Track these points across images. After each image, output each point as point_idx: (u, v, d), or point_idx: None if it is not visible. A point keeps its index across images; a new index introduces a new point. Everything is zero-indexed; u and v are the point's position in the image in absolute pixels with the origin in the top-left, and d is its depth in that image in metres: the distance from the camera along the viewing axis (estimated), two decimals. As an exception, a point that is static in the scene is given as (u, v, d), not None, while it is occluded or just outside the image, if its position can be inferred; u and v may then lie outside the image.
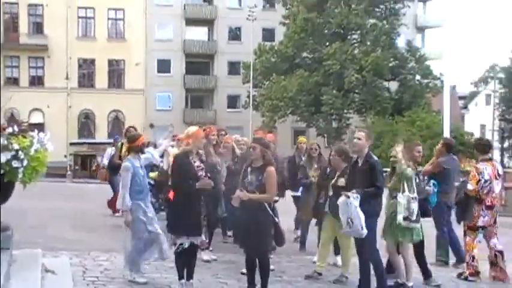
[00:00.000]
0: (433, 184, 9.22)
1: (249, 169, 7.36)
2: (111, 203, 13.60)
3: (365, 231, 7.47)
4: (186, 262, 7.46)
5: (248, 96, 52.50)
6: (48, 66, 52.38)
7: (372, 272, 7.88)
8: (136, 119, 45.60)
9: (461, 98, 75.19)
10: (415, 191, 8.25)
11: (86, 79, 54.30)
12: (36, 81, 52.74)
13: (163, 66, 55.48)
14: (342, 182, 8.22)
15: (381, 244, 8.28)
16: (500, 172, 9.42)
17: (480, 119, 69.44)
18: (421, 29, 61.50)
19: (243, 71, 53.52)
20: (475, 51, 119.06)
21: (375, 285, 7.84)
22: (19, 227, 7.96)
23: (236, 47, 56.28)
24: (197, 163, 7.46)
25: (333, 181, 8.34)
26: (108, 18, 54.34)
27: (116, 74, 54.76)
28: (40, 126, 39.25)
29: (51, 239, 10.66)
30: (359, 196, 7.44)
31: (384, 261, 8.36)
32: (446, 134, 20.24)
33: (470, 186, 9.00)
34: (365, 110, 50.08)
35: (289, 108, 49.19)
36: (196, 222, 7.34)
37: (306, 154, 11.10)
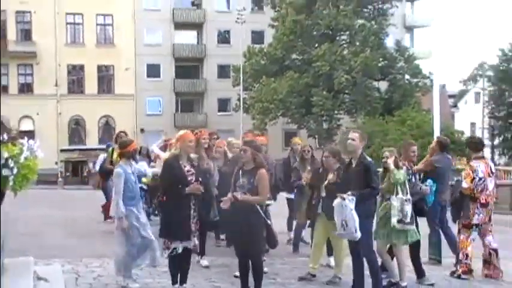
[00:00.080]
0: (430, 183, 9.23)
1: (240, 172, 7.38)
2: (105, 209, 13.54)
3: (359, 234, 7.48)
4: (179, 267, 7.45)
5: (238, 99, 52.48)
6: (37, 73, 52.24)
7: (367, 272, 7.90)
8: (126, 124, 45.55)
9: (450, 96, 75.43)
10: (408, 192, 8.28)
11: (76, 85, 54.16)
12: (26, 89, 52.61)
13: (153, 70, 55.42)
14: (332, 178, 8.18)
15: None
16: (493, 170, 9.47)
17: (470, 117, 69.68)
18: (409, 29, 61.73)
19: (232, 74, 53.51)
20: (463, 49, 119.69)
21: (369, 286, 7.85)
22: (10, 235, 7.91)
23: (225, 50, 56.30)
24: (187, 167, 7.42)
25: (326, 182, 8.34)
26: (97, 24, 54.28)
27: (106, 79, 54.67)
28: (30, 134, 39.17)
29: (43, 246, 10.61)
30: (354, 198, 7.45)
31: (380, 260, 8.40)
32: (437, 132, 20.28)
33: (465, 185, 9.02)
34: (355, 111, 50.16)
35: (280, 110, 49.19)
36: (185, 227, 7.28)
37: (298, 156, 11.07)
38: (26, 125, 49.31)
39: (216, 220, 9.89)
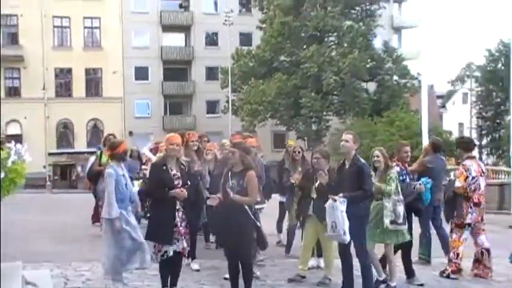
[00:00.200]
0: (425, 181, 9.24)
1: (229, 174, 7.39)
2: (94, 212, 13.46)
3: (347, 237, 7.50)
4: (170, 270, 7.42)
5: (227, 101, 52.47)
6: (25, 77, 51.97)
7: (356, 273, 7.90)
8: (115, 127, 45.38)
9: (439, 97, 75.70)
10: (400, 193, 8.31)
11: (63, 89, 53.96)
12: (13, 93, 52.31)
13: (141, 73, 55.30)
14: (324, 179, 8.16)
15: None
16: (484, 170, 9.51)
17: (458, 118, 69.98)
18: (397, 30, 61.93)
19: (221, 76, 53.49)
20: (451, 50, 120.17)
21: (359, 286, 7.85)
22: (-2, 240, 7.86)
23: (213, 52, 56.27)
24: (174, 171, 7.39)
25: (317, 184, 8.33)
26: (84, 27, 54.11)
27: (94, 82, 54.50)
28: (18, 138, 38.95)
29: (31, 250, 10.54)
30: (346, 200, 7.46)
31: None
32: (425, 133, 20.39)
33: (458, 184, 9.03)
34: (344, 112, 50.25)
35: (269, 112, 49.22)
36: (168, 230, 7.24)
37: (289, 157, 11.01)
38: (14, 129, 49.02)
39: (205, 222, 9.88)
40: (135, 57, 54.14)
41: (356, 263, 7.95)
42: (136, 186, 10.56)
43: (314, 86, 48.34)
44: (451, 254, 9.28)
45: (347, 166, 7.84)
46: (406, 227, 8.36)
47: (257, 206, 8.27)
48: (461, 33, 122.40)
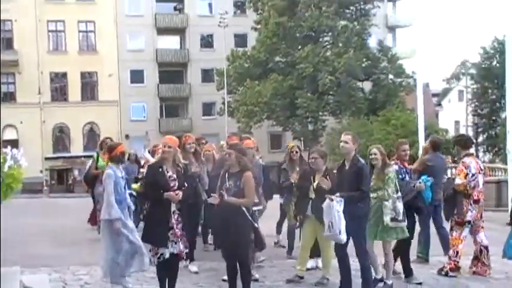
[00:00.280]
0: (425, 179, 9.24)
1: (226, 175, 7.41)
2: (92, 216, 13.43)
3: (343, 237, 7.51)
4: (167, 272, 7.42)
5: (223, 103, 52.47)
6: (20, 82, 51.85)
7: (356, 273, 7.91)
8: (111, 130, 45.37)
9: (434, 95, 75.83)
10: (399, 190, 8.33)
11: (59, 93, 53.86)
12: (8, 97, 52.16)
13: (137, 76, 55.22)
14: (326, 184, 8.15)
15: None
16: (482, 167, 9.52)
17: (454, 116, 70.06)
18: (392, 29, 61.99)
19: (216, 77, 53.48)
20: (446, 48, 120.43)
21: (357, 286, 7.86)
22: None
23: (209, 54, 56.25)
24: (170, 173, 7.39)
25: (315, 183, 8.34)
26: (79, 31, 54.01)
27: (89, 86, 54.42)
28: (14, 143, 38.91)
29: (29, 255, 10.52)
30: (343, 200, 7.47)
31: (381, 260, 8.46)
32: (421, 131, 20.36)
33: (458, 181, 9.01)
34: (340, 112, 50.28)
35: (265, 113, 49.24)
36: (161, 233, 7.24)
37: (287, 157, 10.97)
38: (10, 134, 48.92)
39: (203, 224, 9.88)
40: (131, 60, 54.06)
41: (354, 262, 7.96)
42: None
43: (310, 86, 48.38)
44: (451, 252, 9.27)
45: (347, 167, 7.86)
46: (406, 223, 8.39)
47: (254, 208, 8.27)
48: (455, 31, 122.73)
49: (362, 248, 7.81)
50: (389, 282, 8.37)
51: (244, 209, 7.25)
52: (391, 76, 51.99)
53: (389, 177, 8.23)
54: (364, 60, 50.14)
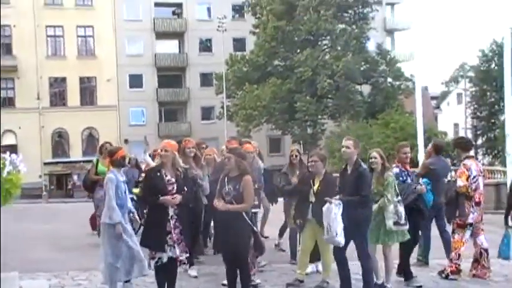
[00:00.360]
0: (425, 182, 9.24)
1: (226, 179, 7.41)
2: (92, 220, 13.42)
3: (340, 239, 7.51)
4: (166, 277, 7.41)
5: (222, 107, 52.49)
6: (19, 87, 51.86)
7: (356, 276, 7.90)
8: (110, 135, 45.23)
9: (433, 98, 75.75)
10: (399, 194, 8.33)
11: (58, 98, 53.85)
12: (7, 103, 52.14)
13: (135, 81, 55.25)
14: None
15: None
16: (481, 169, 9.53)
17: (453, 118, 70.06)
18: (390, 32, 62.06)
19: (215, 82, 53.52)
20: (444, 51, 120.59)
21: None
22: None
23: (207, 58, 56.30)
24: (168, 177, 7.38)
25: (315, 187, 8.33)
26: (78, 36, 54.03)
27: (88, 91, 54.42)
28: (13, 148, 38.87)
29: (29, 260, 10.51)
30: (341, 204, 7.47)
31: (382, 264, 8.47)
32: (420, 134, 20.37)
33: (460, 183, 8.99)
34: (339, 115, 50.32)
35: (264, 117, 49.24)
36: (160, 237, 7.24)
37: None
38: (8, 139, 48.88)
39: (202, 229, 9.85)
40: (129, 65, 54.09)
41: (355, 266, 7.96)
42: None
43: (308, 89, 48.40)
44: (453, 254, 9.24)
45: (349, 171, 7.88)
46: (407, 227, 8.40)
47: (253, 210, 8.26)
48: (454, 34, 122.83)
49: (364, 251, 7.82)
50: (389, 286, 8.37)
51: (243, 213, 7.25)
52: (389, 79, 52.04)
53: (388, 183, 8.24)
54: (363, 63, 50.19)
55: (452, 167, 19.38)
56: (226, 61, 51.47)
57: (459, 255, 9.19)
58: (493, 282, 9.22)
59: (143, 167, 12.18)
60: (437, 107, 77.80)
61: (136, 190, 11.07)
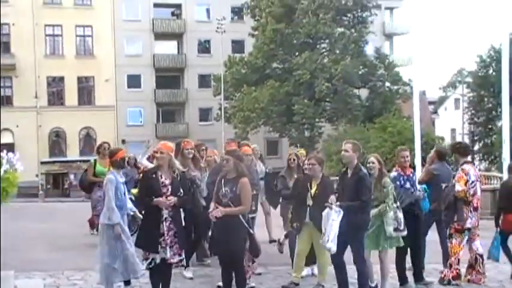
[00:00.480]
0: (423, 189, 9.25)
1: (223, 181, 7.41)
2: (90, 222, 13.39)
3: (331, 246, 7.51)
4: (160, 278, 7.40)
5: (220, 109, 52.48)
6: (17, 86, 51.79)
7: (352, 280, 7.91)
8: (107, 135, 45.11)
9: (431, 103, 75.83)
10: (397, 199, 8.34)
11: (56, 97, 53.80)
12: (5, 101, 52.02)
13: (134, 81, 55.20)
14: (332, 199, 8.08)
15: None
16: (478, 175, 9.54)
17: (450, 123, 70.10)
18: (389, 36, 62.10)
19: (213, 83, 53.54)
20: (442, 56, 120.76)
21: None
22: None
23: (206, 59, 56.28)
24: (163, 179, 7.35)
25: (312, 190, 8.33)
26: (76, 35, 53.98)
27: (86, 90, 54.38)
28: (10, 146, 38.77)
29: (24, 259, 10.48)
30: (341, 211, 7.47)
31: (377, 268, 8.47)
32: (417, 139, 20.39)
33: (459, 187, 8.97)
34: (336, 118, 50.35)
35: (261, 119, 49.27)
36: (153, 238, 7.24)
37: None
38: (6, 138, 48.71)
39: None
40: (128, 65, 54.05)
41: (349, 270, 7.96)
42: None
43: (306, 92, 48.45)
44: (452, 260, 9.19)
45: (349, 175, 7.87)
46: (406, 232, 8.42)
47: (250, 216, 8.25)
48: (452, 39, 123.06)
49: (360, 256, 7.82)
50: (383, 289, 8.39)
51: (240, 215, 7.25)
52: (387, 83, 52.12)
53: (387, 190, 8.23)
54: (361, 67, 50.24)
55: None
56: (225, 63, 51.50)
57: (458, 260, 9.17)
58: (488, 288, 9.23)
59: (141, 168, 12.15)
60: (435, 112, 77.89)
61: (134, 190, 11.05)
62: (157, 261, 7.25)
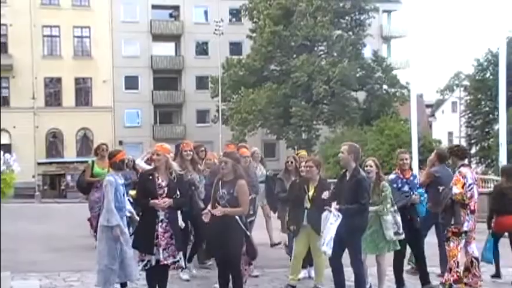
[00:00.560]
0: (420, 193, 9.24)
1: (220, 183, 7.40)
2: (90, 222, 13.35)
3: (326, 249, 7.51)
4: (156, 279, 7.40)
5: (217, 111, 52.45)
6: (14, 86, 51.66)
7: (349, 283, 7.91)
8: (105, 136, 45.11)
9: (428, 106, 75.89)
10: (394, 203, 8.34)
11: (53, 98, 53.69)
12: (2, 102, 51.84)
13: (131, 82, 55.13)
14: (325, 195, 8.13)
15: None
16: (476, 178, 9.53)
17: (447, 127, 70.19)
18: (386, 39, 62.10)
19: (211, 85, 53.51)
20: (440, 59, 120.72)
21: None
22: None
23: (204, 61, 56.24)
24: (160, 181, 7.35)
25: (311, 193, 8.32)
26: (74, 36, 53.86)
27: (83, 92, 54.28)
28: (7, 147, 38.71)
29: (20, 261, 10.46)
30: (340, 215, 7.46)
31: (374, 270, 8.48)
32: (415, 142, 20.41)
33: (456, 190, 8.93)
34: (334, 121, 50.35)
35: (259, 121, 49.26)
36: (149, 240, 7.24)
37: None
38: (3, 139, 48.51)
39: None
40: (125, 67, 53.97)
41: (346, 272, 7.96)
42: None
43: (304, 95, 48.48)
44: (452, 263, 9.13)
45: (347, 178, 7.84)
46: (403, 236, 8.43)
47: (248, 219, 8.24)
48: (449, 42, 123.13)
49: (357, 258, 7.82)
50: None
51: (237, 217, 7.25)
52: (385, 86, 52.14)
53: (385, 195, 8.23)
54: (359, 70, 50.28)
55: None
56: (223, 65, 51.50)
57: (458, 263, 9.14)
58: (485, 291, 9.23)
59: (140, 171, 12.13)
60: (432, 115, 77.96)
61: (132, 192, 11.05)
62: (153, 262, 7.25)
